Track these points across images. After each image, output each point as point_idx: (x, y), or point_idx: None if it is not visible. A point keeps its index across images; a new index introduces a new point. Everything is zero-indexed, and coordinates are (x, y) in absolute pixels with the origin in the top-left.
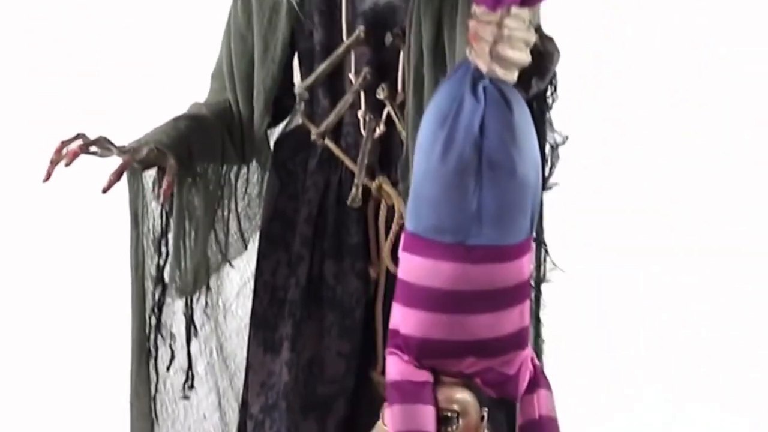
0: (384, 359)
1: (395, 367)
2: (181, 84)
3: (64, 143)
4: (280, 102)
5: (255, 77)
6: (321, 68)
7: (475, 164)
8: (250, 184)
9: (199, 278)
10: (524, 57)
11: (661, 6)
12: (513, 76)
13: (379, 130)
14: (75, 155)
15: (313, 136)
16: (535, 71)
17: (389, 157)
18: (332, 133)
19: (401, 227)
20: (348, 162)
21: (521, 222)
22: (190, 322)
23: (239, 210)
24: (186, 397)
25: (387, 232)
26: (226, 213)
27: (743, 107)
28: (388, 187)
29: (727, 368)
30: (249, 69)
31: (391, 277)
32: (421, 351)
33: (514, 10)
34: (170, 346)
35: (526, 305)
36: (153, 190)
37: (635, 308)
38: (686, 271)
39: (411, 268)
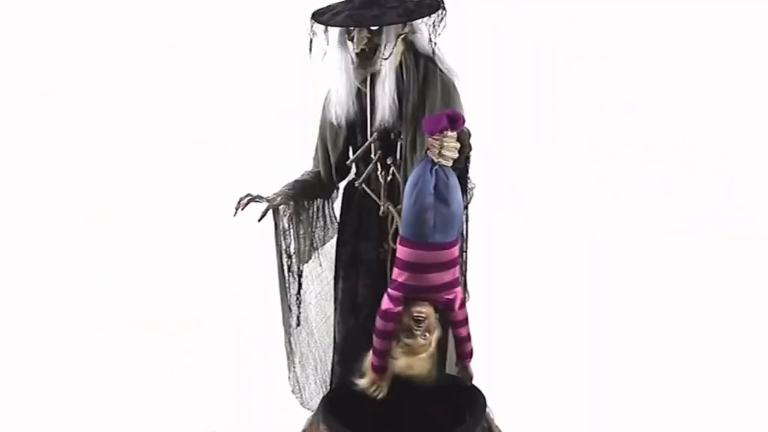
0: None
1: (384, 300)
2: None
3: (242, 199)
4: (343, 170)
5: (330, 158)
6: (356, 155)
7: (432, 204)
8: (326, 207)
9: (309, 253)
10: (454, 155)
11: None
12: (449, 163)
13: (389, 178)
14: (245, 206)
15: (356, 184)
16: (461, 158)
17: (392, 192)
18: (365, 182)
19: (396, 228)
20: (373, 196)
21: (453, 230)
22: (299, 276)
23: (324, 219)
24: (298, 324)
25: (390, 228)
26: (317, 221)
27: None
28: (392, 208)
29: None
30: (326, 154)
31: (392, 251)
32: (406, 291)
33: (448, 134)
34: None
35: (457, 268)
36: (284, 215)
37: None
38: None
39: (401, 253)
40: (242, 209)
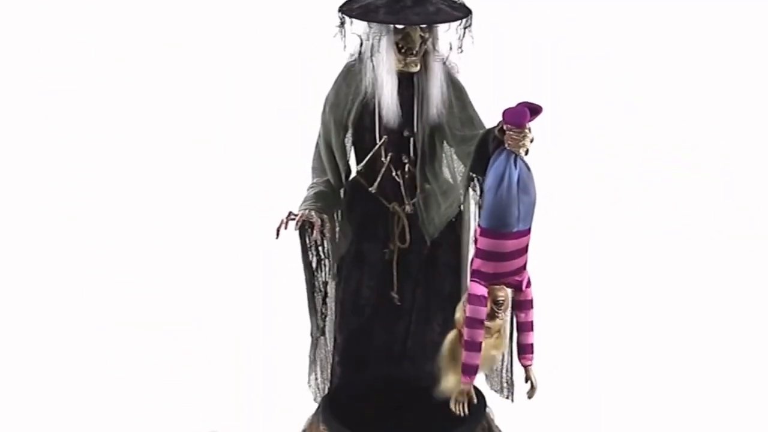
0: (397, 286)
1: (474, 287)
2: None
3: (289, 218)
4: (350, 172)
5: (339, 164)
6: (368, 157)
7: (516, 194)
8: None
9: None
10: (530, 145)
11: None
12: (524, 153)
13: (406, 179)
14: (297, 223)
15: (371, 189)
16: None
17: (411, 190)
18: (371, 181)
19: (402, 228)
20: (382, 199)
21: (531, 218)
22: (325, 290)
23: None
24: (322, 333)
25: (397, 229)
26: (337, 231)
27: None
28: (398, 209)
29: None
30: (333, 160)
31: (399, 250)
32: (489, 279)
33: (527, 125)
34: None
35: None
36: (319, 228)
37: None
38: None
39: (485, 244)
40: (296, 229)
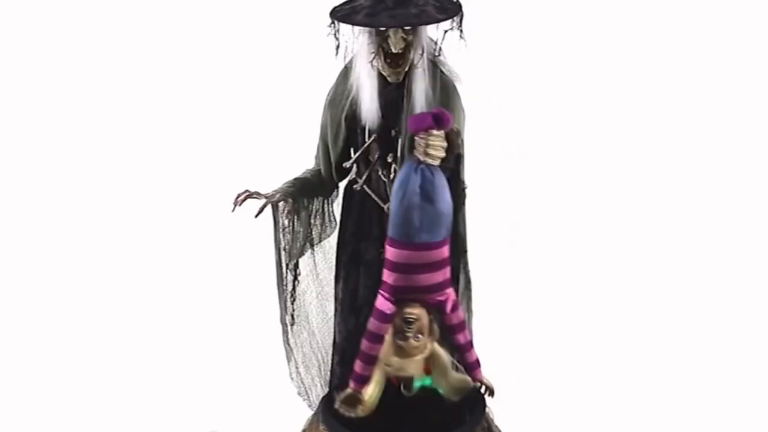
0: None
1: (379, 301)
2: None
3: (240, 195)
4: (343, 169)
5: (331, 157)
6: (356, 155)
7: (417, 203)
8: (326, 205)
9: (302, 250)
10: (440, 154)
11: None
12: (435, 162)
13: (392, 177)
14: (243, 201)
15: (356, 187)
16: (450, 158)
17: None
18: (366, 182)
19: None
20: (373, 195)
21: (440, 230)
22: (295, 272)
23: (323, 217)
24: (293, 322)
25: None
26: (315, 219)
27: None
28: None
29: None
30: (327, 153)
31: None
32: (395, 292)
33: (433, 132)
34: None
35: (448, 269)
36: (282, 212)
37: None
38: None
39: (389, 253)
40: (239, 205)
